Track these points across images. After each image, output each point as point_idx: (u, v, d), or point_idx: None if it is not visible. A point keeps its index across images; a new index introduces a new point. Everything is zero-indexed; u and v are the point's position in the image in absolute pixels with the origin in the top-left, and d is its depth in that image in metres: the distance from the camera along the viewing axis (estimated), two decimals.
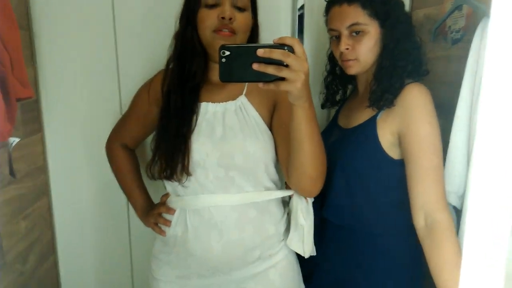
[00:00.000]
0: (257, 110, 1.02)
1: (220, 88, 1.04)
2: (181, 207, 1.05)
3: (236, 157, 0.97)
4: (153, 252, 1.13)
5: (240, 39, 0.98)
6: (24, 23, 1.26)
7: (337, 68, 1.20)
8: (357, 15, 1.00)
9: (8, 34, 1.03)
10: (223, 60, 0.72)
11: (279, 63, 0.70)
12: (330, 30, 1.06)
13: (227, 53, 0.72)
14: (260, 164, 1.00)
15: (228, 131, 0.99)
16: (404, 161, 0.97)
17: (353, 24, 1.00)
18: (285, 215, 1.09)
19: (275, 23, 1.34)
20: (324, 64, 1.22)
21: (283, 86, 0.72)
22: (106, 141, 1.26)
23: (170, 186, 1.06)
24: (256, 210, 1.02)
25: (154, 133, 1.08)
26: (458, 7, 1.01)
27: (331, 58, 1.19)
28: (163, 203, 1.13)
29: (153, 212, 1.14)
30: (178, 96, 1.01)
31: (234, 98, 1.03)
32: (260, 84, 0.73)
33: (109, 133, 1.26)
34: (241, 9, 0.97)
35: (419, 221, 0.93)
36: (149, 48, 1.33)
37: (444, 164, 0.96)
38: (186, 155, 0.98)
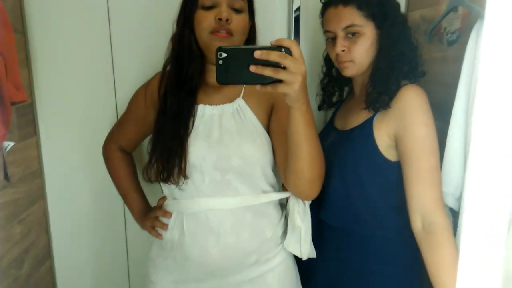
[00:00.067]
0: (254, 113, 1.01)
1: (218, 91, 1.04)
2: (177, 211, 1.05)
3: (233, 160, 0.97)
4: (150, 255, 1.13)
5: (237, 40, 0.98)
6: (19, 27, 1.26)
7: (333, 70, 1.20)
8: (352, 16, 1.00)
9: (2, 38, 1.02)
10: (220, 62, 0.72)
11: (276, 65, 0.70)
12: (326, 31, 1.06)
13: (224, 55, 0.72)
14: (257, 167, 0.99)
15: (225, 134, 0.99)
16: (401, 163, 0.97)
17: (348, 26, 1.00)
18: (283, 218, 1.08)
19: (271, 25, 1.34)
20: (320, 66, 1.22)
21: (281, 88, 0.72)
22: (101, 144, 1.26)
23: (167, 189, 1.06)
24: (253, 213, 1.01)
25: (151, 135, 1.08)
26: (454, 9, 1.02)
27: (327, 60, 1.19)
28: (160, 206, 1.12)
29: (150, 215, 1.13)
30: (175, 99, 1.01)
31: (231, 100, 1.03)
32: (258, 87, 0.73)
33: (105, 136, 1.25)
34: (238, 11, 0.97)
35: (417, 223, 0.93)
36: (144, 50, 1.33)
37: (440, 166, 0.96)
38: (183, 158, 0.97)
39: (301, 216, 1.03)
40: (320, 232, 1.10)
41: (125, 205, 1.31)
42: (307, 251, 1.05)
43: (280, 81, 0.71)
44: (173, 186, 1.01)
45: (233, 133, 0.99)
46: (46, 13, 1.29)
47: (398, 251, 1.03)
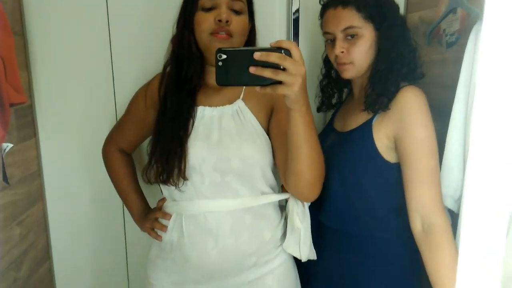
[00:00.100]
0: (254, 114, 1.01)
1: (217, 92, 1.04)
2: (177, 212, 1.05)
3: (233, 161, 0.97)
4: (150, 257, 1.12)
5: (237, 42, 0.98)
6: (18, 29, 1.26)
7: (332, 72, 1.20)
8: (352, 18, 1.00)
9: (1, 40, 1.02)
10: (220, 63, 0.72)
11: (276, 67, 0.70)
12: (325, 33, 1.07)
13: (224, 56, 0.72)
14: (257, 168, 0.99)
15: (225, 135, 0.99)
16: (400, 165, 0.97)
17: (348, 27, 1.00)
18: (283, 220, 1.08)
19: (270, 27, 1.34)
20: (320, 67, 1.23)
21: (280, 89, 0.72)
22: (100, 146, 1.26)
23: (166, 190, 1.06)
24: (252, 215, 1.01)
25: (150, 137, 1.08)
26: (453, 10, 1.02)
27: (327, 61, 1.19)
28: (159, 208, 1.12)
29: (149, 216, 1.13)
30: (175, 100, 1.01)
31: (231, 102, 1.03)
32: (257, 88, 0.73)
33: (104, 137, 1.25)
34: (237, 12, 0.98)
35: (416, 225, 0.93)
36: (143, 52, 1.33)
37: (440, 167, 0.96)
38: (182, 159, 0.97)
39: (300, 218, 1.03)
40: (319, 234, 1.10)
41: (125, 207, 1.31)
42: (306, 252, 1.05)
43: (279, 82, 0.71)
44: (172, 188, 1.00)
45: (233, 134, 0.98)
46: (45, 16, 1.29)
47: (397, 252, 1.03)
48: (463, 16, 1.01)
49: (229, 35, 0.96)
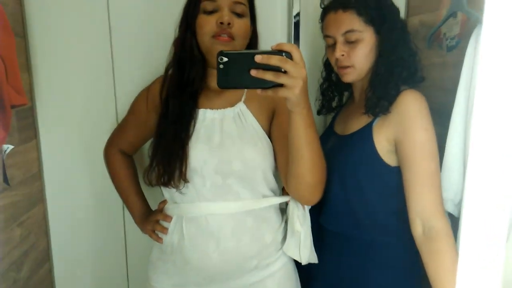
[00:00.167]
0: (255, 117, 1.02)
1: (219, 95, 1.04)
2: (178, 215, 1.05)
3: (234, 164, 0.97)
4: (150, 259, 1.12)
5: (239, 45, 0.98)
6: (19, 30, 1.26)
7: (333, 75, 1.20)
8: (352, 21, 1.00)
9: (2, 41, 1.02)
10: (221, 66, 0.72)
11: (277, 70, 0.70)
12: (325, 36, 1.07)
13: (225, 59, 0.72)
14: (258, 171, 0.99)
15: (226, 138, 0.99)
16: (400, 168, 0.97)
17: (348, 31, 1.00)
18: (283, 223, 1.08)
19: (271, 30, 1.35)
20: (320, 70, 1.23)
21: (281, 92, 0.72)
22: (102, 148, 1.26)
23: (167, 192, 1.06)
24: (254, 218, 1.01)
25: (152, 139, 1.08)
26: (453, 14, 1.02)
27: (327, 64, 1.19)
28: (160, 210, 1.12)
29: (150, 219, 1.13)
30: (177, 102, 1.01)
31: (232, 104, 1.03)
32: (258, 91, 0.73)
33: (105, 139, 1.26)
34: (239, 15, 0.98)
35: (417, 228, 0.93)
36: (144, 55, 1.33)
37: (440, 171, 0.96)
38: (183, 161, 0.97)
39: (300, 221, 1.03)
40: (320, 237, 1.10)
41: (125, 208, 1.31)
42: (306, 255, 1.05)
43: (281, 85, 0.71)
44: (173, 190, 1.00)
45: (234, 137, 0.99)
46: (46, 17, 1.29)
47: (398, 256, 1.03)
48: (464, 20, 1.01)
49: (231, 37, 0.96)
